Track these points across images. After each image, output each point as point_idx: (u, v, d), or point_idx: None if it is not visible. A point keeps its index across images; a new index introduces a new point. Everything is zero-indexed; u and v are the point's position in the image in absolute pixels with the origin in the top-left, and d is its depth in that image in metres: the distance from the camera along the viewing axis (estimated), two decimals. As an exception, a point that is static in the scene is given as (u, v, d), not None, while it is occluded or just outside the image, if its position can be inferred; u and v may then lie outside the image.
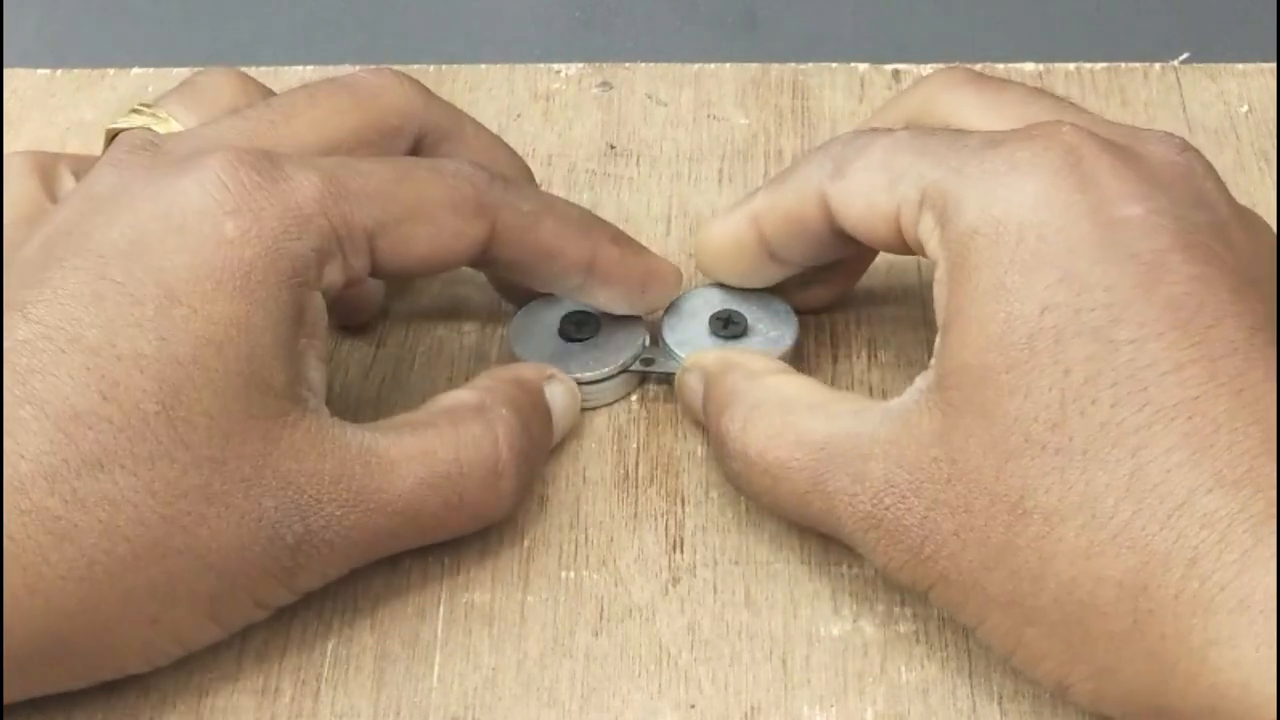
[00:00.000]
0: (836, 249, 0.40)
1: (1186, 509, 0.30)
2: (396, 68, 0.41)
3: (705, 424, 0.41)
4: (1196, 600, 0.30)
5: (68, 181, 0.39)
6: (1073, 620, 0.32)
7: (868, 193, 0.37)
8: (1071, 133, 0.35)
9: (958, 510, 0.33)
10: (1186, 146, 0.36)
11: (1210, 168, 0.36)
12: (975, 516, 0.33)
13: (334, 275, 0.37)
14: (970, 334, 0.34)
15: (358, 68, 0.42)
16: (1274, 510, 0.30)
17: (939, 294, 0.36)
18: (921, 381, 0.35)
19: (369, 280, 0.44)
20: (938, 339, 0.35)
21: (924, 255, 0.37)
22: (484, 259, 0.39)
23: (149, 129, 0.39)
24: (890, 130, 0.38)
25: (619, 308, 0.43)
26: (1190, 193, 0.35)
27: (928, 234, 0.36)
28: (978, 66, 0.53)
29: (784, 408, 0.37)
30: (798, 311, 0.44)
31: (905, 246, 0.38)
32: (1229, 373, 0.31)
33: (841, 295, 0.45)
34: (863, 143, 0.38)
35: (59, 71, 0.55)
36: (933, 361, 0.35)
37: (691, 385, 0.41)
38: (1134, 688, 0.32)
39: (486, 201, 0.38)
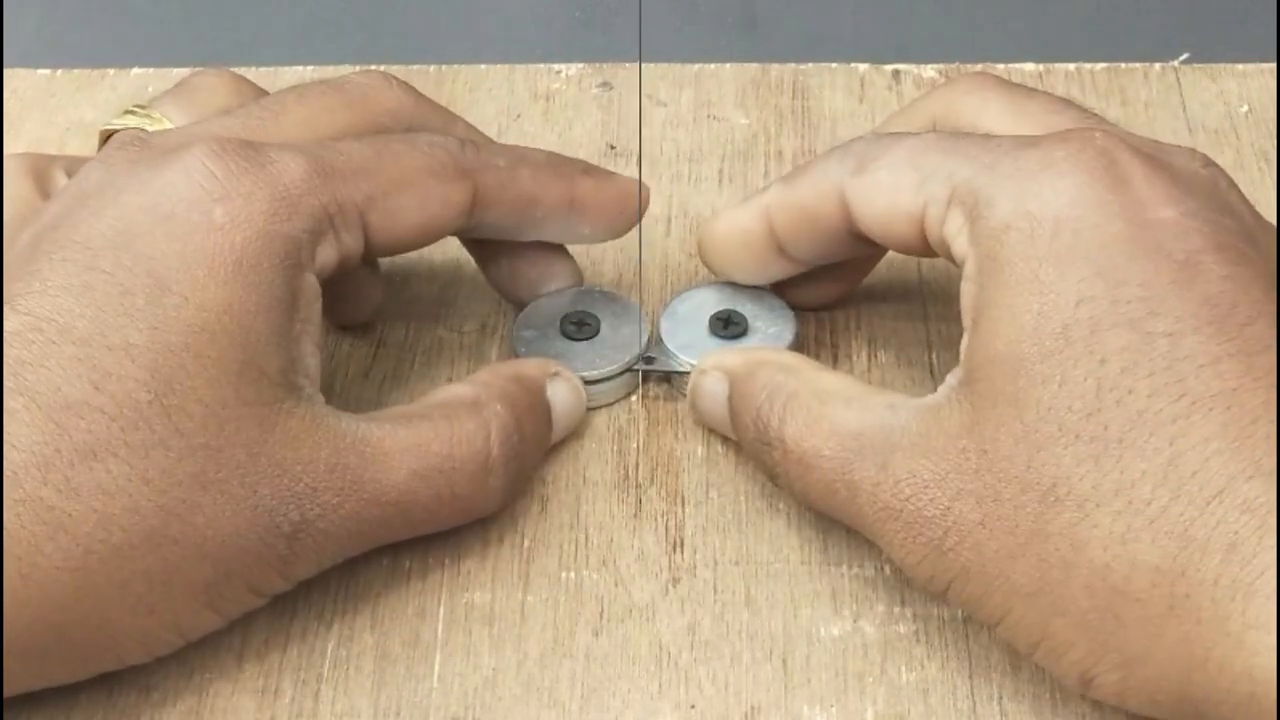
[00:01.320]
0: (846, 249, 0.41)
1: (1226, 495, 0.31)
2: (397, 68, 0.41)
3: (732, 421, 0.40)
4: (1236, 584, 0.30)
5: (61, 183, 0.39)
6: (1103, 607, 0.32)
7: (890, 190, 0.37)
8: (1104, 138, 0.35)
9: (985, 500, 0.33)
10: (1210, 162, 0.37)
11: (1233, 183, 0.37)
12: (1003, 505, 0.33)
13: (327, 255, 0.37)
14: (1002, 325, 0.34)
15: (356, 69, 0.42)
16: None
17: (967, 291, 0.36)
18: (952, 378, 0.36)
19: (369, 278, 0.44)
20: (965, 337, 0.35)
21: (947, 255, 0.37)
22: (470, 224, 0.40)
23: (141, 129, 0.40)
24: (916, 133, 0.39)
25: (603, 235, 0.43)
26: (1218, 201, 0.35)
27: (955, 232, 0.36)
28: (977, 67, 0.53)
29: (820, 399, 0.38)
30: (799, 309, 0.44)
31: (923, 246, 0.38)
32: (1265, 368, 0.32)
33: (845, 295, 0.45)
34: (887, 142, 0.38)
35: (59, 71, 0.55)
36: (962, 358, 0.35)
37: (709, 387, 0.41)
38: (1163, 675, 0.32)
39: (464, 164, 0.39)
